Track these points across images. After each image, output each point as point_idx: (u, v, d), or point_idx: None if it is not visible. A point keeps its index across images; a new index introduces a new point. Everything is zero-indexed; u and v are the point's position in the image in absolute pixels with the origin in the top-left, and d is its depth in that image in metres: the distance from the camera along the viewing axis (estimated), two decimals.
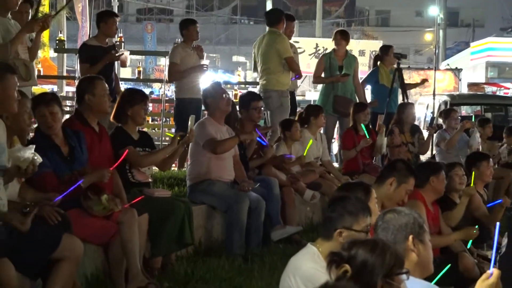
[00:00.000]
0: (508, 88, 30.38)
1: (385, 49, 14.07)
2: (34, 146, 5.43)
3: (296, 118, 11.60)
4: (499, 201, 8.32)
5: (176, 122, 12.12)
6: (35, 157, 5.32)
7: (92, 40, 11.22)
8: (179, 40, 12.09)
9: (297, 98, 15.90)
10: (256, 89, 13.57)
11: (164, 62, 19.14)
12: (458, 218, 7.97)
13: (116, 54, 11.22)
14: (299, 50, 13.46)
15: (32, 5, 9.36)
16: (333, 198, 5.19)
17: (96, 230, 6.75)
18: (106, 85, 7.77)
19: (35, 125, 7.00)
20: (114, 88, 10.49)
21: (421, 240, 4.29)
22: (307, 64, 22.01)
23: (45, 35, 20.23)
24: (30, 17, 9.38)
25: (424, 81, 13.71)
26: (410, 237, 4.27)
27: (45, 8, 20.01)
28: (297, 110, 13.58)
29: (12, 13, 8.69)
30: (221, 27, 62.87)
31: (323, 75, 13.07)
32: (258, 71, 12.40)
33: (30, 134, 6.99)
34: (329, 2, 62.50)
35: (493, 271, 3.85)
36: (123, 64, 12.63)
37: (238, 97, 13.61)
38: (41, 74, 17.44)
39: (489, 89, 29.68)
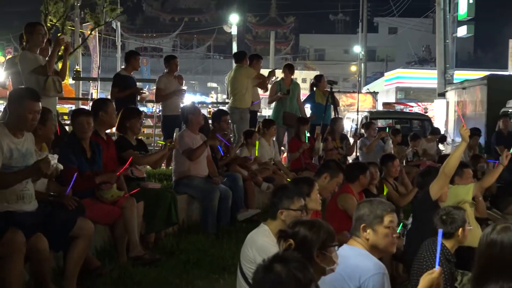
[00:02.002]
0: (412, 107, 30.56)
1: (318, 77, 14.12)
2: (57, 156, 5.38)
3: (257, 129, 11.62)
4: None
5: (164, 133, 12.11)
6: (58, 165, 5.28)
7: (123, 71, 11.38)
8: (166, 70, 12.13)
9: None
10: (225, 107, 13.64)
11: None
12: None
13: (141, 91, 11.74)
14: None
15: (51, 43, 9.33)
16: (276, 188, 5.24)
17: (105, 213, 6.74)
18: (114, 106, 7.78)
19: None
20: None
21: (373, 229, 4.26)
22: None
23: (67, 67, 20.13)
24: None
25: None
26: (361, 226, 4.28)
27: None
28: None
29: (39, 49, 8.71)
30: (198, 61, 62.98)
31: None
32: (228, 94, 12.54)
33: None
34: (279, 43, 62.90)
35: (438, 268, 3.92)
36: (142, 100, 12.97)
37: (211, 113, 13.60)
38: (63, 96, 17.30)
39: (398, 107, 29.82)
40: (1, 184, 5.30)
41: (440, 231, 4.03)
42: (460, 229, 5.37)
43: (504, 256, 3.55)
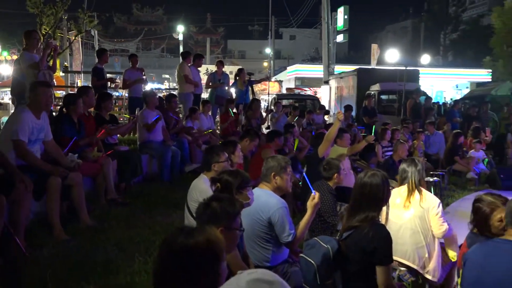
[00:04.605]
0: (306, 90, 30.84)
1: (239, 71, 13.90)
2: (76, 155, 5.35)
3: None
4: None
5: (129, 110, 11.87)
6: (79, 161, 5.26)
7: (98, 65, 10.89)
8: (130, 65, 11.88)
9: None
10: (175, 92, 13.46)
11: None
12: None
13: (115, 81, 11.48)
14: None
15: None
16: (206, 148, 5.22)
17: (89, 168, 6.59)
18: (93, 91, 7.59)
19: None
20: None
21: (280, 176, 4.27)
22: (202, 79, 21.88)
23: (57, 63, 19.41)
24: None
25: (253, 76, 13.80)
26: (272, 174, 4.27)
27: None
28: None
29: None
30: (155, 59, 61.77)
31: (210, 84, 12.99)
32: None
33: None
34: (213, 46, 62.17)
35: (316, 194, 4.04)
36: (116, 87, 12.65)
37: (164, 96, 13.37)
38: (55, 85, 16.66)
39: (297, 91, 30.04)
40: (24, 159, 5.24)
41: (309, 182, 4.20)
42: (336, 174, 5.53)
43: (371, 194, 3.67)
